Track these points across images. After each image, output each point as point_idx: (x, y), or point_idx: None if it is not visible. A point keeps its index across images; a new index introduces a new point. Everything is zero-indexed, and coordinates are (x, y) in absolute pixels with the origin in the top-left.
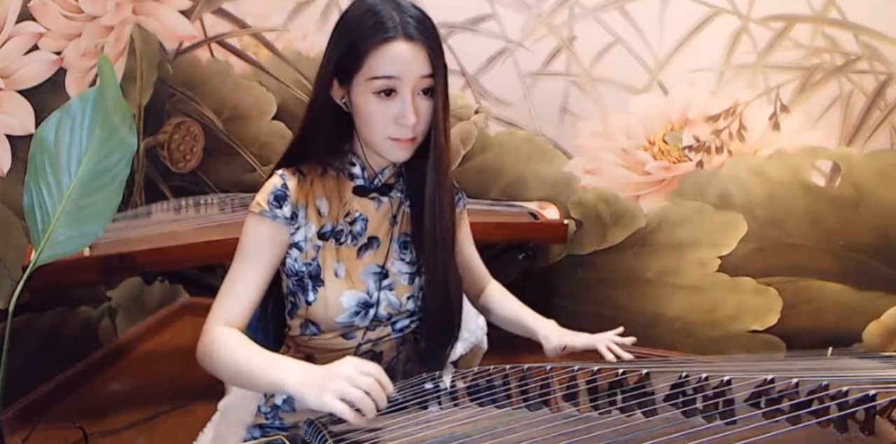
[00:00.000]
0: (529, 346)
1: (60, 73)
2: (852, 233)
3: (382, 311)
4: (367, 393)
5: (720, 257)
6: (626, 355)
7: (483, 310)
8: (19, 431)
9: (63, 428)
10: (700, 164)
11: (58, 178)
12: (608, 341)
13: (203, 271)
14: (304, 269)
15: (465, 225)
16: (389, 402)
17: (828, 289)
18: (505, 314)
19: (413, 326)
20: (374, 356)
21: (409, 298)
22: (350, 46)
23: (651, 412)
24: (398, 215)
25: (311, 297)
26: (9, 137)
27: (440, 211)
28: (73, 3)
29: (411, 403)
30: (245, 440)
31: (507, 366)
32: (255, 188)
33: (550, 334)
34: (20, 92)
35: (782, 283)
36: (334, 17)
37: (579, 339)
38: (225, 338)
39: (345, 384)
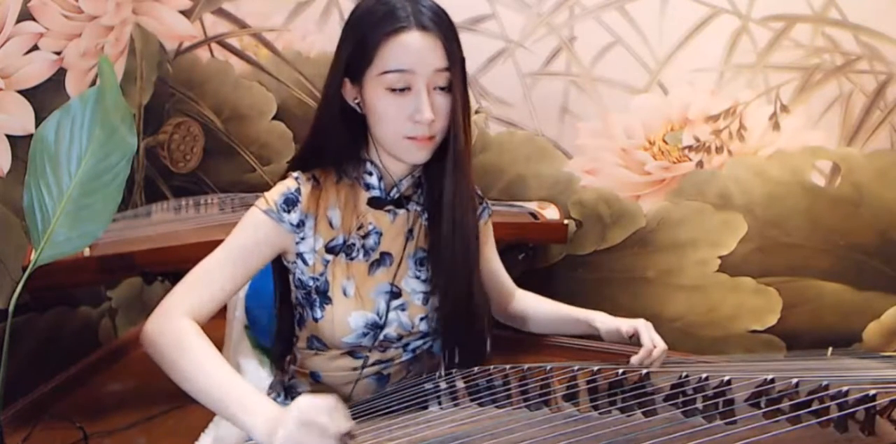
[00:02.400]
0: (530, 346)
1: (60, 73)
2: (852, 233)
3: (392, 332)
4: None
5: (720, 257)
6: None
7: (517, 319)
8: (19, 431)
9: (63, 428)
10: (700, 164)
11: (58, 178)
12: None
13: None
14: (311, 283)
15: (491, 238)
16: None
17: (828, 289)
18: (547, 316)
19: (426, 347)
20: (380, 378)
21: (422, 319)
22: (361, 41)
23: (651, 412)
24: (415, 229)
25: (318, 314)
26: (9, 137)
27: (460, 218)
28: (73, 3)
29: (411, 403)
30: (246, 441)
31: (507, 366)
32: (255, 188)
33: (606, 319)
34: (20, 92)
35: (782, 283)
36: (334, 17)
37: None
38: (192, 337)
39: (293, 432)
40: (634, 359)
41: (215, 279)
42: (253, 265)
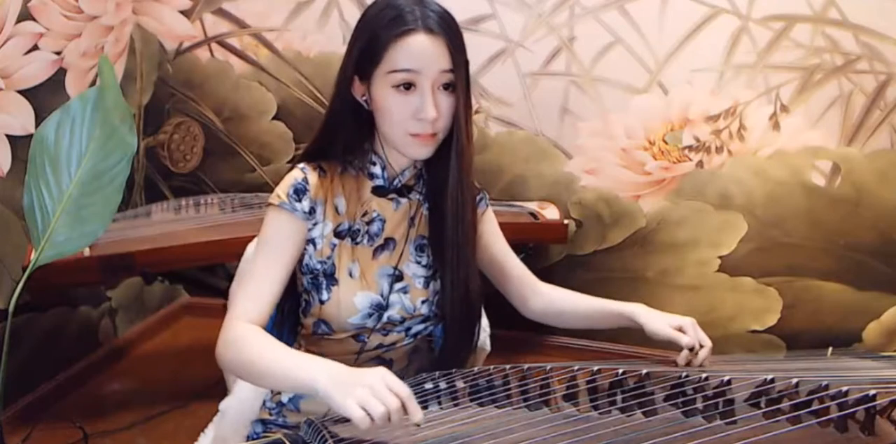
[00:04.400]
0: (530, 346)
1: (60, 73)
2: (852, 233)
3: (395, 314)
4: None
5: (720, 257)
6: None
7: (548, 315)
8: (19, 431)
9: (63, 428)
10: (700, 164)
11: (58, 178)
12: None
13: (203, 271)
14: (319, 267)
15: (494, 224)
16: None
17: (828, 289)
18: (581, 311)
19: (427, 332)
20: (383, 364)
21: (423, 302)
22: (370, 41)
23: (651, 412)
24: (416, 217)
25: (324, 296)
26: (9, 137)
27: (462, 211)
28: (73, 3)
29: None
30: (248, 436)
31: (507, 366)
32: (255, 188)
33: (650, 315)
34: (20, 92)
35: (782, 283)
36: (334, 17)
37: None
38: (249, 336)
39: (369, 394)
40: (680, 359)
41: (254, 281)
42: (283, 260)
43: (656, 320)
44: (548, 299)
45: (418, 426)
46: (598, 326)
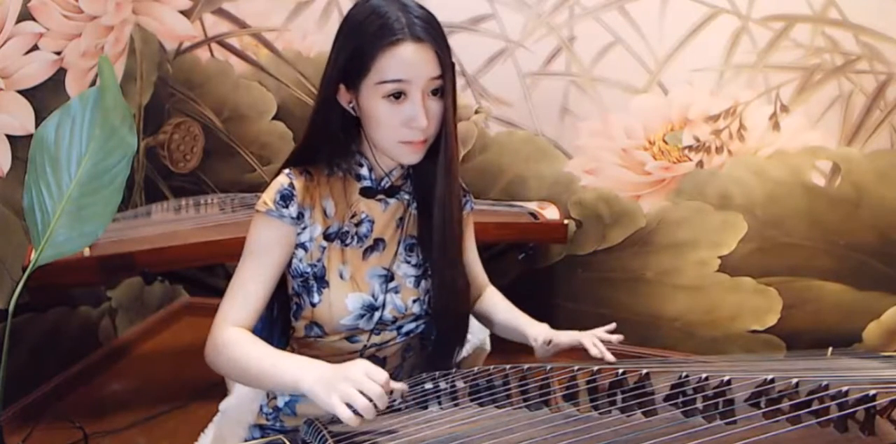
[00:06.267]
0: (530, 346)
1: (60, 73)
2: (852, 233)
3: (388, 314)
4: (372, 401)
5: (720, 257)
6: (609, 357)
7: (482, 317)
8: (19, 431)
9: (63, 428)
10: (700, 164)
11: (58, 178)
12: (594, 338)
13: (203, 271)
14: (309, 270)
15: (469, 228)
16: (391, 405)
17: (828, 289)
18: (504, 322)
19: (419, 330)
20: (377, 362)
21: (414, 301)
22: (356, 51)
23: (651, 412)
24: (405, 218)
25: (315, 298)
26: (9, 137)
27: (450, 213)
28: (73, 3)
29: (411, 403)
30: (246, 440)
31: (507, 366)
32: (255, 188)
33: (539, 334)
34: (20, 92)
35: (782, 283)
36: (334, 17)
37: (565, 335)
38: (236, 339)
39: (352, 389)
40: (594, 352)
41: (242, 286)
42: (270, 266)
43: (539, 339)
44: (486, 303)
45: (403, 398)
46: (514, 339)
